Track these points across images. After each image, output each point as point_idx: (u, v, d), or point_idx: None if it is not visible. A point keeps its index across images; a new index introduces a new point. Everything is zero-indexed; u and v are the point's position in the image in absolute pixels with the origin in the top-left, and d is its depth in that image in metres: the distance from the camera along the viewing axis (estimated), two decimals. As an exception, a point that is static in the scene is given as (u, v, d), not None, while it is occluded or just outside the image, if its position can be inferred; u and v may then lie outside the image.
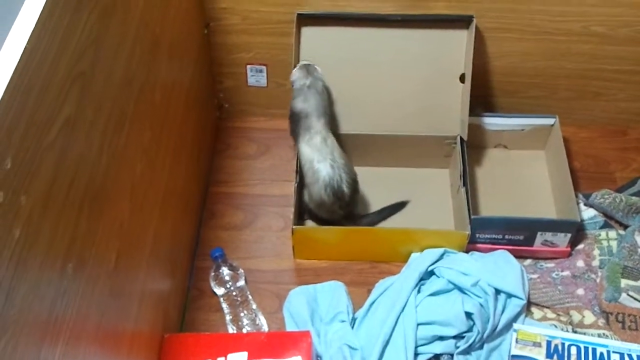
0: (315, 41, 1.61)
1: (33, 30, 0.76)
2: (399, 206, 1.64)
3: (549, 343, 1.37)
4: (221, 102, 1.86)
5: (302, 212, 1.64)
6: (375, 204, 1.67)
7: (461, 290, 1.45)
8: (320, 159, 1.52)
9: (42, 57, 0.78)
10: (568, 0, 1.56)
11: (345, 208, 1.56)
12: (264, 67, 1.75)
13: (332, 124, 1.61)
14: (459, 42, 1.60)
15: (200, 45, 1.64)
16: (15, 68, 0.72)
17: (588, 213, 1.64)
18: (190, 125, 1.56)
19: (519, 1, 1.57)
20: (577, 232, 1.57)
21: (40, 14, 0.79)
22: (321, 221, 1.61)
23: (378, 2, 1.58)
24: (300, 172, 1.58)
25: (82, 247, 0.92)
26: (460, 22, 1.58)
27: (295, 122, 1.58)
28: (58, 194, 0.84)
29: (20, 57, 0.73)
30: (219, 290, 1.51)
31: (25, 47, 0.74)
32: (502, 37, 1.65)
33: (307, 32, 1.60)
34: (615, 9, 1.57)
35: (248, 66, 1.76)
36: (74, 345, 0.89)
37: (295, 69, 1.59)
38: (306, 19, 1.59)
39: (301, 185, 1.59)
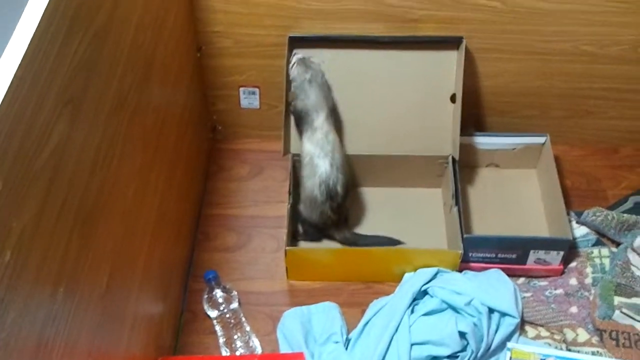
0: (307, 63, 1.63)
1: (24, 57, 0.77)
2: (392, 242, 1.62)
3: (543, 362, 1.37)
4: (214, 124, 1.87)
5: (295, 233, 1.64)
6: (368, 223, 1.68)
7: (455, 309, 1.45)
8: (321, 155, 1.54)
9: (32, 82, 0.79)
10: (557, 20, 1.58)
11: (336, 211, 1.56)
12: (256, 89, 1.77)
13: (335, 115, 1.62)
14: (450, 62, 1.61)
15: (193, 68, 1.66)
16: (6, 94, 0.73)
17: (580, 231, 1.65)
18: (183, 148, 1.56)
19: (509, 22, 1.58)
20: (570, 250, 1.57)
21: (31, 40, 0.79)
22: (313, 234, 1.62)
23: (369, 24, 1.60)
24: (295, 178, 1.60)
25: (73, 271, 0.92)
26: (451, 43, 1.60)
27: (298, 119, 1.60)
28: (49, 218, 0.84)
29: (11, 83, 0.74)
30: (213, 313, 1.51)
31: (16, 73, 0.75)
32: (492, 57, 1.66)
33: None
34: (604, 28, 1.59)
35: (241, 88, 1.77)
36: (65, 369, 0.89)
37: (293, 65, 1.59)
38: (298, 42, 1.60)
39: (295, 200, 1.60)
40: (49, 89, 0.83)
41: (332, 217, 1.57)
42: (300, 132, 1.60)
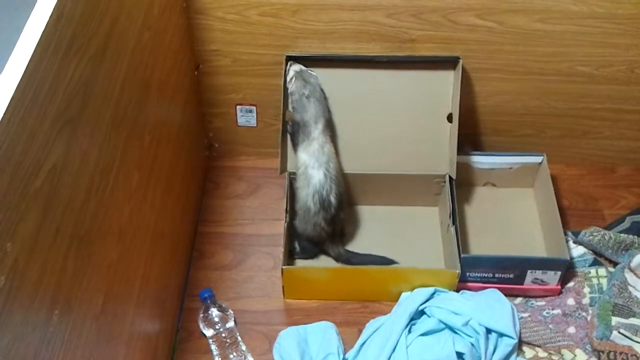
0: (304, 82, 1.63)
1: (22, 77, 0.77)
2: (386, 261, 1.61)
3: (540, 383, 1.36)
4: (211, 142, 1.87)
5: (292, 250, 1.64)
6: (365, 242, 1.68)
7: (452, 329, 1.45)
8: (315, 165, 1.55)
9: (30, 103, 0.78)
10: (553, 41, 1.59)
11: (330, 223, 1.56)
12: (253, 108, 1.77)
13: (331, 126, 1.62)
14: (446, 82, 1.62)
15: (190, 86, 1.66)
16: (4, 114, 0.72)
17: (577, 251, 1.65)
18: (180, 165, 1.56)
19: (505, 42, 1.59)
20: (567, 270, 1.57)
21: (30, 60, 0.79)
22: (310, 250, 1.62)
23: (365, 44, 1.60)
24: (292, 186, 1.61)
25: (68, 293, 0.91)
26: (447, 63, 1.60)
27: (295, 131, 1.60)
28: (44, 240, 0.84)
29: (9, 104, 0.73)
30: (208, 332, 1.50)
31: (13, 95, 0.74)
32: (489, 77, 1.67)
33: (296, 73, 1.62)
34: (601, 50, 1.60)
35: (238, 106, 1.77)
36: (60, 392, 0.88)
37: (292, 79, 1.59)
38: (295, 61, 1.60)
39: (292, 217, 1.60)
40: (46, 110, 0.83)
41: (326, 229, 1.57)
42: (296, 144, 1.60)
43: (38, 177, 0.81)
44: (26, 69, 0.78)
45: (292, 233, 1.63)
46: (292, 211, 1.60)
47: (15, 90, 0.75)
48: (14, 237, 0.75)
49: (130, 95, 1.17)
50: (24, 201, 0.78)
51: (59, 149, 0.87)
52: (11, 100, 0.74)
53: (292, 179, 1.63)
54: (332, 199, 1.55)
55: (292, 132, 1.61)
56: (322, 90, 1.60)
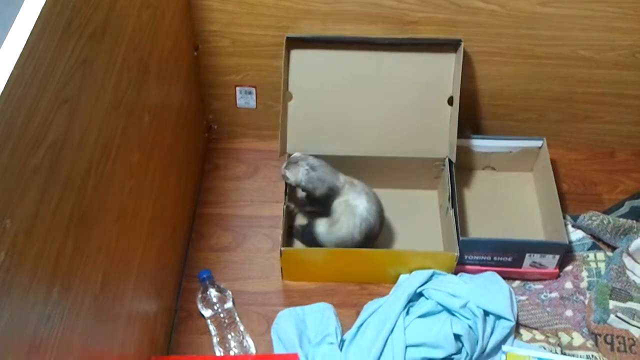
0: (304, 64, 1.62)
1: (21, 55, 0.76)
2: None
3: (537, 365, 1.37)
4: (210, 124, 1.86)
5: (293, 231, 1.65)
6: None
7: (450, 312, 1.45)
8: (354, 196, 1.54)
9: (29, 81, 0.78)
10: (556, 25, 1.58)
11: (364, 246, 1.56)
12: (253, 89, 1.76)
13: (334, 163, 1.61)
14: (447, 65, 1.61)
15: (190, 67, 1.65)
16: (2, 92, 0.72)
17: (576, 235, 1.65)
18: (179, 147, 1.56)
19: (507, 25, 1.58)
20: (566, 253, 1.58)
21: (29, 38, 0.79)
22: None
23: (367, 26, 1.59)
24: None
25: (67, 270, 0.92)
26: (449, 45, 1.60)
27: (326, 200, 1.57)
28: (44, 217, 0.84)
29: (7, 82, 0.73)
30: (207, 312, 1.50)
31: (12, 72, 0.74)
32: (490, 60, 1.66)
33: (296, 55, 1.61)
34: (602, 34, 1.59)
35: (237, 88, 1.76)
36: (59, 369, 0.88)
37: (285, 175, 1.57)
38: (295, 42, 1.60)
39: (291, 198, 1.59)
40: (45, 88, 0.83)
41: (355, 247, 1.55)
42: (331, 204, 1.56)
43: (38, 153, 0.81)
44: (25, 45, 0.78)
45: (292, 217, 1.62)
46: (291, 194, 1.60)
47: (15, 66, 0.75)
48: (14, 213, 0.75)
49: (129, 75, 1.16)
50: (24, 177, 0.78)
51: (59, 125, 0.87)
52: (10, 75, 0.74)
53: None
54: (378, 227, 1.54)
55: (322, 205, 1.58)
56: (314, 158, 1.58)
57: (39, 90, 0.81)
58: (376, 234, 1.56)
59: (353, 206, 1.52)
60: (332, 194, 1.55)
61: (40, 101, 0.81)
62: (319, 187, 1.55)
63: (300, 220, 1.68)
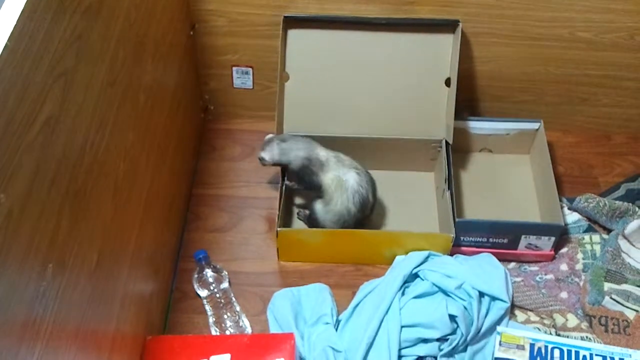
0: (302, 44, 1.61)
1: (14, 28, 0.75)
2: None
3: (532, 346, 1.37)
4: (206, 104, 1.85)
5: (298, 214, 1.66)
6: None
7: (445, 293, 1.45)
8: (344, 171, 1.54)
9: (23, 55, 0.77)
10: (555, 6, 1.57)
11: (360, 223, 1.56)
12: (250, 69, 1.75)
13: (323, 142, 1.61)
14: (445, 46, 1.60)
15: (186, 47, 1.64)
16: (-4, 65, 0.72)
17: (572, 217, 1.65)
18: (175, 127, 1.55)
19: (506, 6, 1.57)
20: (561, 236, 1.58)
21: (22, 12, 0.78)
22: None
23: (365, 6, 1.58)
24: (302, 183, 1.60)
25: (62, 248, 0.91)
26: (447, 26, 1.59)
27: (308, 176, 1.56)
28: (38, 194, 0.83)
29: (1, 55, 0.73)
30: (203, 292, 1.50)
31: (6, 44, 0.73)
32: (488, 41, 1.65)
33: (294, 34, 1.60)
34: (601, 15, 1.58)
35: (234, 68, 1.75)
36: (54, 346, 0.88)
37: (261, 157, 1.58)
38: (293, 22, 1.59)
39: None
40: (40, 62, 0.82)
41: (352, 225, 1.56)
42: (316, 181, 1.56)
43: (32, 128, 0.80)
44: (19, 17, 0.77)
45: (290, 194, 1.62)
46: (289, 175, 1.60)
47: (9, 39, 0.74)
48: (8, 188, 0.75)
49: (125, 53, 1.15)
50: (18, 153, 0.77)
51: (54, 101, 0.86)
52: (4, 49, 0.73)
53: None
54: (371, 197, 1.54)
55: (308, 182, 1.57)
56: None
57: (33, 63, 0.80)
58: (372, 205, 1.56)
59: (344, 181, 1.52)
60: (313, 167, 1.55)
61: (35, 75, 0.81)
62: (295, 159, 1.56)
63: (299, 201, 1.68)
